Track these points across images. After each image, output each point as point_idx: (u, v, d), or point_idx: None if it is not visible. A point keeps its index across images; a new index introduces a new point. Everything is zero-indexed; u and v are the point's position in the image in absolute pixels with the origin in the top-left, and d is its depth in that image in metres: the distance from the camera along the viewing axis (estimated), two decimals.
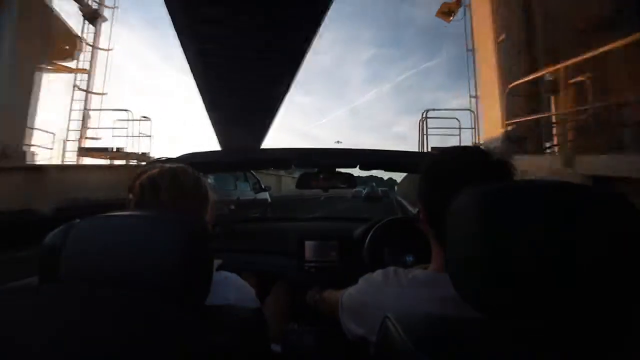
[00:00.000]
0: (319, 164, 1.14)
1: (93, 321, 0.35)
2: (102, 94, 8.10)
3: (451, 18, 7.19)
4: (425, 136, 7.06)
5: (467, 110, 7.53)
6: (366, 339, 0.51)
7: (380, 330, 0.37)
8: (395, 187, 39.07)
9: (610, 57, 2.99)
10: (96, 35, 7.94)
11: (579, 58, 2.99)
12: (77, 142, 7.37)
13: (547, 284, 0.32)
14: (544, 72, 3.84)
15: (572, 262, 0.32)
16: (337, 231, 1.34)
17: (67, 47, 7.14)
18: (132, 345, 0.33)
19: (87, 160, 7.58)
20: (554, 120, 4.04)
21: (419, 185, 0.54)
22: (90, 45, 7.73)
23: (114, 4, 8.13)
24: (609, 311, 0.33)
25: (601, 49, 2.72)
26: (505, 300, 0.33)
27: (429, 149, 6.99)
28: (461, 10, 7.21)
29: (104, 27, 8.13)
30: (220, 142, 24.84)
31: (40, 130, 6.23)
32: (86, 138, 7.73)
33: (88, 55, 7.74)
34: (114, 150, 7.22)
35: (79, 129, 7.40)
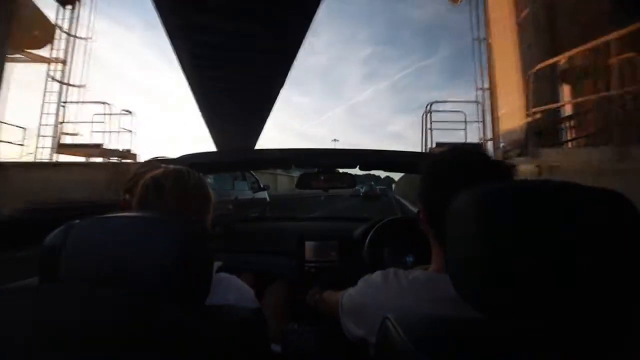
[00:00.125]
0: (319, 164, 1.13)
1: (93, 321, 0.35)
2: (80, 86, 7.50)
3: (460, 0, 6.72)
4: (429, 131, 6.54)
5: (473, 103, 7.03)
6: (366, 340, 0.51)
7: (380, 331, 0.37)
8: (393, 186, 39.48)
9: None
10: (73, 22, 7.31)
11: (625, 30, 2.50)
12: (53, 138, 6.77)
13: (547, 284, 0.32)
14: (582, 49, 3.15)
15: (572, 262, 0.32)
16: (337, 231, 1.32)
17: (40, 34, 6.52)
18: (132, 346, 0.33)
19: (65, 158, 7.00)
20: (574, 109, 3.51)
21: (419, 185, 0.54)
22: (66, 32, 7.11)
23: None
24: (609, 311, 0.33)
25: None
26: (505, 300, 0.33)
27: (434, 145, 6.47)
28: None
29: (84, 15, 7.48)
30: (215, 141, 24.54)
31: (9, 124, 5.66)
32: (63, 134, 7.13)
33: (65, 44, 7.13)
34: (93, 146, 6.64)
35: (54, 123, 6.80)
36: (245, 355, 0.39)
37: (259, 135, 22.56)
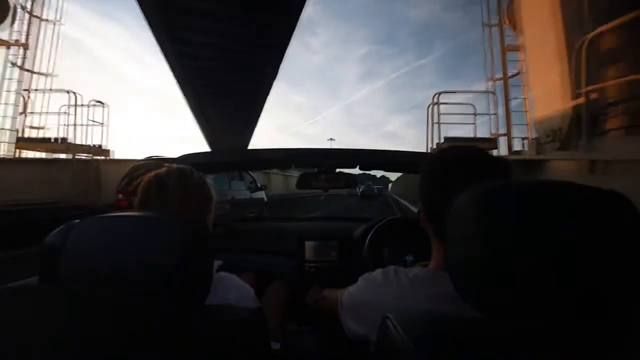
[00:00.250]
0: (319, 164, 1.14)
1: (93, 321, 0.35)
2: (48, 74, 6.72)
3: None
4: (437, 125, 5.85)
5: (483, 93, 6.37)
6: (366, 338, 0.51)
7: (380, 329, 0.37)
8: (389, 185, 39.56)
9: None
10: (37, 3, 6.52)
11: None
12: (12, 132, 5.99)
13: (547, 284, 0.32)
14: None
15: (572, 262, 0.32)
16: (337, 231, 1.32)
17: None
18: (132, 346, 0.33)
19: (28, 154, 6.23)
20: None
21: (420, 183, 0.54)
22: (28, 13, 6.33)
23: None
24: (609, 311, 0.33)
25: None
26: (505, 300, 0.33)
27: (441, 140, 5.77)
28: None
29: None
30: (207, 139, 24.14)
31: None
32: (27, 127, 6.36)
33: (27, 26, 6.35)
34: (58, 141, 5.87)
35: (13, 115, 6.01)
36: (245, 355, 0.39)
37: (252, 132, 22.19)
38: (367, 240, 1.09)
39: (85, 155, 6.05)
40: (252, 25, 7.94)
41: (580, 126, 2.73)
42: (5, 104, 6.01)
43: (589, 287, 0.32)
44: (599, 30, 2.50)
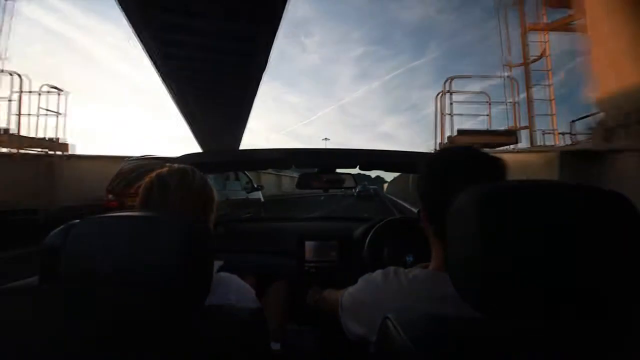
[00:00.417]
0: (319, 164, 1.15)
1: (93, 321, 0.35)
2: None
3: None
4: (449, 116, 5.05)
5: (499, 78, 5.59)
6: (366, 339, 0.51)
7: (380, 330, 0.37)
8: (384, 186, 39.78)
9: None
10: None
11: None
12: None
13: (547, 284, 0.32)
14: None
15: (572, 262, 0.32)
16: (337, 231, 1.32)
17: None
18: (132, 346, 0.33)
19: None
20: None
21: (420, 184, 0.54)
22: None
23: None
24: (609, 311, 0.33)
25: None
26: (505, 300, 0.33)
27: (454, 133, 4.95)
28: None
29: None
30: (196, 137, 23.95)
31: None
32: None
33: None
34: (0, 131, 4.93)
35: None
36: (245, 355, 0.39)
37: (243, 129, 21.96)
38: (367, 240, 1.08)
39: (37, 150, 5.14)
40: (233, 21, 7.78)
41: None
42: None
43: (589, 287, 0.32)
44: None
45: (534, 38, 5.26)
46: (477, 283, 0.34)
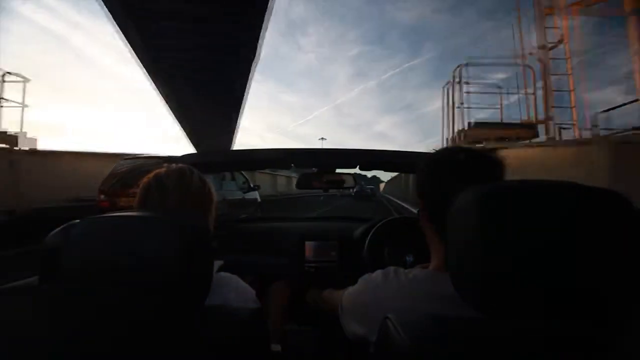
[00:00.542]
0: (319, 164, 1.15)
1: (93, 321, 0.35)
2: None
3: None
4: (460, 109, 4.63)
5: (514, 66, 5.21)
6: (366, 339, 0.51)
7: (380, 330, 0.37)
8: (381, 186, 40.07)
9: None
10: None
11: None
12: None
13: (547, 284, 0.32)
14: None
15: (572, 262, 0.32)
16: (337, 231, 1.32)
17: None
18: (132, 345, 0.33)
19: None
20: None
21: (420, 184, 0.54)
22: None
23: None
24: (609, 311, 0.33)
25: None
26: (505, 300, 0.33)
27: (466, 126, 4.54)
28: None
29: None
30: (188, 135, 24.10)
31: None
32: None
33: None
34: None
35: None
36: (245, 355, 0.39)
37: (235, 125, 22.06)
38: (367, 240, 1.08)
39: None
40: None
41: None
42: None
43: (589, 287, 0.32)
44: None
45: (550, 23, 4.88)
46: (477, 283, 0.34)
